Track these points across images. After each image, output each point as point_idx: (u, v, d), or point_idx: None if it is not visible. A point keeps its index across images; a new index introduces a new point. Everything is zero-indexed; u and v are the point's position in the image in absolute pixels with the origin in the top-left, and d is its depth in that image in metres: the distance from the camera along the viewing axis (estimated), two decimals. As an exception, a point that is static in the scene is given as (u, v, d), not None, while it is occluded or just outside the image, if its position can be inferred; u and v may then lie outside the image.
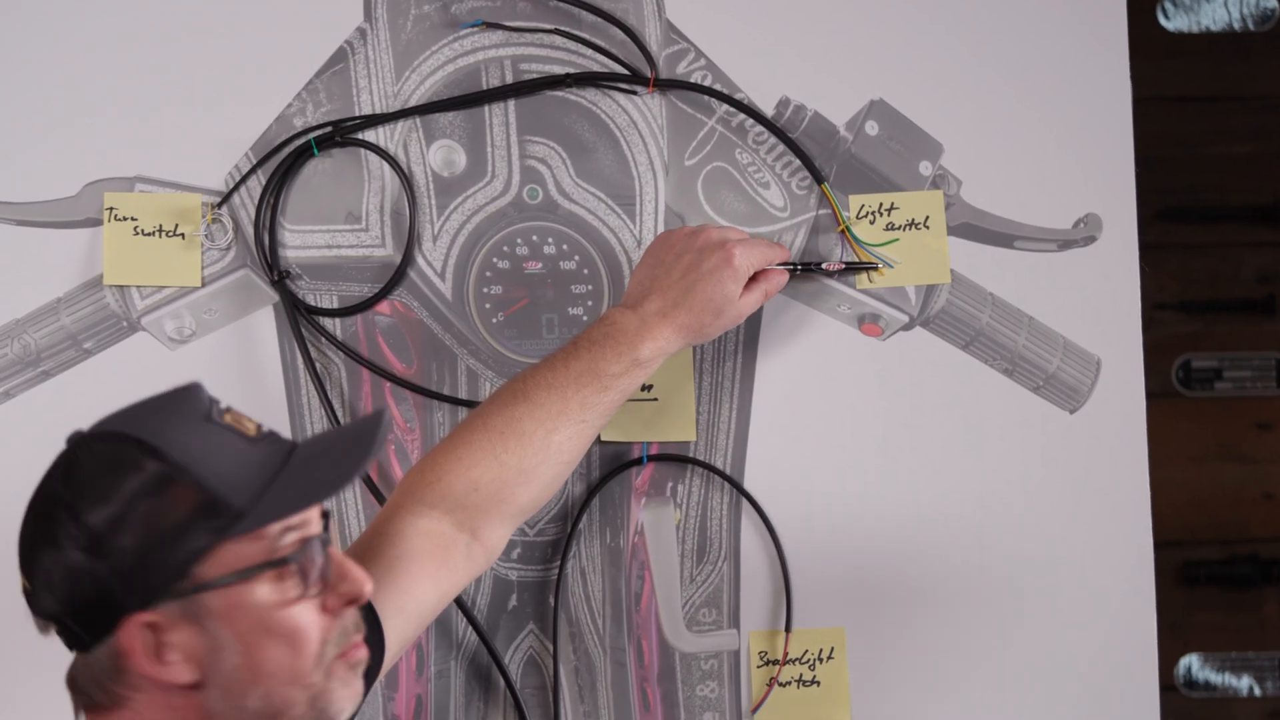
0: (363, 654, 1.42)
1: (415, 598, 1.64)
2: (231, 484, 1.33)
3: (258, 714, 1.36)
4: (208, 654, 1.34)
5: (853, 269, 1.89)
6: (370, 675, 1.58)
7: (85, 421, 1.40)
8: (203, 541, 1.32)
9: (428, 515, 1.68)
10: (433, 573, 1.66)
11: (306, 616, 1.36)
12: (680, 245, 1.78)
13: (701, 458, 1.90)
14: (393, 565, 1.64)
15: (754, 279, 1.80)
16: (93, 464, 1.34)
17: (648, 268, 1.79)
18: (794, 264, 1.86)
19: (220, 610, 1.33)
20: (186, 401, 1.38)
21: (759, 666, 1.89)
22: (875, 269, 1.88)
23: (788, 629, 1.88)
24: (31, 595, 1.36)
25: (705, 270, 1.75)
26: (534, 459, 1.70)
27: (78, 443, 1.37)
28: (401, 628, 1.63)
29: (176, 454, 1.33)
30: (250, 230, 1.88)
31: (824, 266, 1.87)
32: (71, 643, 1.37)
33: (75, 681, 1.39)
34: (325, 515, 1.42)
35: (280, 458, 1.37)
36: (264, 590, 1.34)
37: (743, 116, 1.90)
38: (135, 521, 1.32)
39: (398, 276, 1.89)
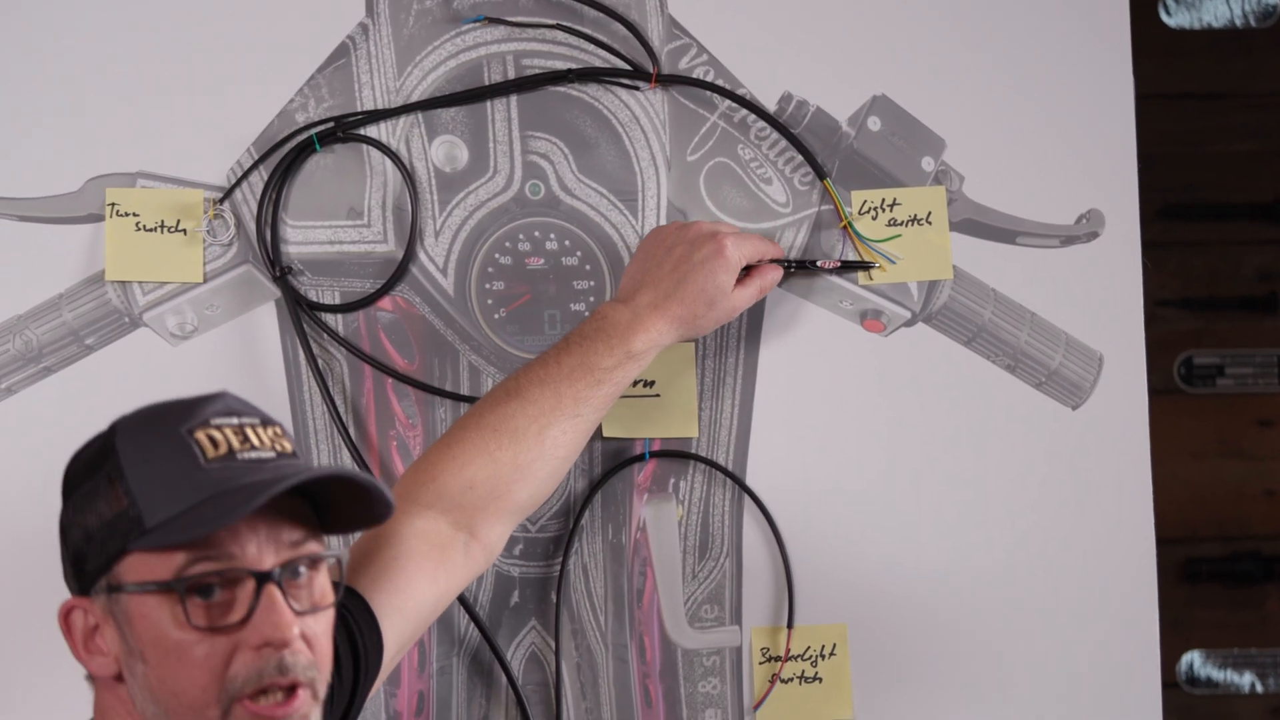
0: (284, 712, 1.35)
1: (413, 597, 1.64)
2: (154, 500, 1.33)
3: None
4: (125, 655, 1.36)
5: (849, 268, 1.88)
6: (368, 681, 1.58)
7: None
8: (115, 546, 1.34)
9: (424, 515, 1.67)
10: (430, 572, 1.65)
11: (205, 647, 1.34)
12: (672, 238, 1.78)
13: (704, 454, 1.89)
14: (389, 566, 1.63)
15: (749, 274, 1.80)
16: (88, 451, 1.39)
17: (639, 262, 1.79)
18: (789, 261, 1.86)
19: (131, 616, 1.35)
20: (188, 408, 1.37)
21: (761, 663, 1.89)
22: (871, 268, 1.88)
23: (790, 625, 1.88)
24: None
25: (697, 261, 1.75)
26: (528, 455, 1.70)
27: (107, 427, 1.40)
28: (400, 627, 1.62)
29: (124, 458, 1.35)
30: (252, 226, 1.88)
31: (819, 265, 1.87)
32: None
33: None
34: (330, 556, 1.40)
35: (220, 487, 1.35)
36: (166, 610, 1.34)
37: (745, 112, 1.90)
38: (84, 511, 1.36)
39: (400, 272, 1.88)
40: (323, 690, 1.38)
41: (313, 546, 1.39)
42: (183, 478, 1.34)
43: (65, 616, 1.38)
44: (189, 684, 1.34)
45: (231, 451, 1.35)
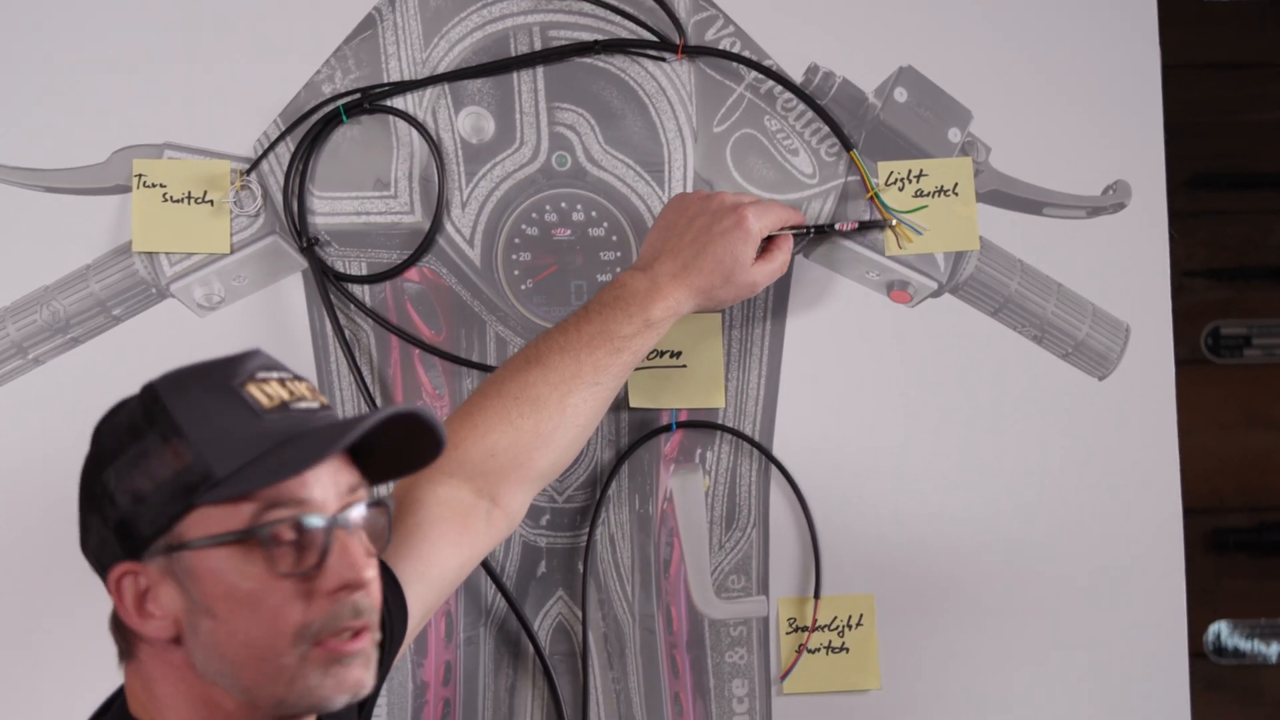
0: (355, 647, 1.37)
1: (437, 564, 1.64)
2: (219, 452, 1.33)
3: (237, 683, 1.36)
4: (186, 614, 1.35)
5: (865, 228, 1.88)
6: (394, 647, 1.59)
7: (113, 389, 1.41)
8: (181, 503, 1.33)
9: (446, 483, 1.68)
10: (454, 539, 1.66)
11: (279, 594, 1.34)
12: (694, 208, 1.78)
13: (730, 424, 1.89)
14: (413, 533, 1.64)
15: (768, 249, 1.80)
16: (122, 414, 1.37)
17: (660, 230, 1.79)
18: (808, 226, 1.86)
19: (197, 572, 1.34)
20: (229, 365, 1.37)
21: (788, 633, 1.89)
22: (888, 226, 1.88)
23: (817, 595, 1.88)
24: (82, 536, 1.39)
25: (717, 233, 1.75)
26: (550, 423, 1.71)
27: (140, 390, 1.38)
28: (424, 595, 1.63)
29: (178, 415, 1.34)
30: (279, 197, 1.88)
31: (837, 227, 1.87)
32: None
33: (111, 627, 1.42)
34: (379, 503, 1.41)
35: (287, 434, 1.36)
36: (237, 560, 1.34)
37: (771, 83, 1.90)
38: (132, 474, 1.34)
39: (426, 243, 1.88)
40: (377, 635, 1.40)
41: (364, 493, 1.40)
42: (244, 429, 1.34)
43: (116, 583, 1.36)
44: (264, 632, 1.34)
45: (284, 403, 1.37)
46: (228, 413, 1.34)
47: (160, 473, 1.33)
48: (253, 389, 1.36)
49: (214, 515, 1.33)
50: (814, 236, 1.87)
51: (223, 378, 1.36)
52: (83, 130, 1.88)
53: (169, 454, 1.33)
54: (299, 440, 1.34)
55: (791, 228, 1.82)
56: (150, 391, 1.37)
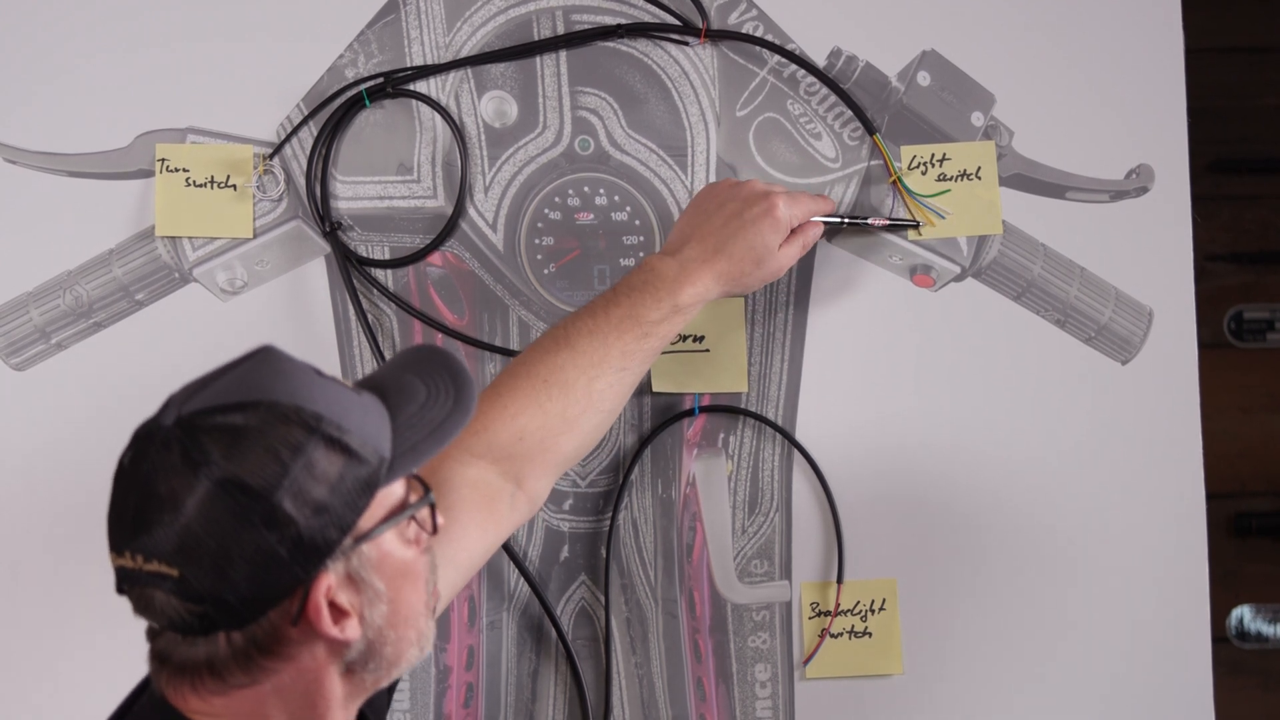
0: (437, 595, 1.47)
1: (465, 548, 1.64)
2: (369, 433, 1.34)
3: (387, 663, 1.39)
4: (364, 608, 1.35)
5: (896, 226, 1.88)
6: None
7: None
8: (367, 494, 1.33)
9: (475, 465, 1.67)
10: (480, 522, 1.66)
11: (422, 562, 1.40)
12: (724, 195, 1.78)
13: (753, 409, 1.89)
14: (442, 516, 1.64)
15: (793, 233, 1.79)
16: (249, 435, 1.30)
17: (689, 216, 1.79)
18: (840, 218, 1.85)
19: (374, 561, 1.35)
20: (284, 361, 1.35)
21: (811, 618, 1.89)
22: (917, 226, 1.87)
23: (839, 580, 1.88)
24: (180, 580, 1.28)
25: (747, 219, 1.75)
26: (576, 407, 1.70)
27: (193, 420, 1.30)
28: (451, 578, 1.63)
29: (332, 413, 1.32)
30: (302, 181, 1.88)
31: (869, 222, 1.87)
32: (210, 625, 1.31)
33: (195, 665, 1.34)
34: None
35: (375, 402, 1.37)
36: (396, 537, 1.37)
37: (794, 67, 1.90)
38: (308, 486, 1.30)
39: (449, 228, 1.88)
40: None
41: None
42: (363, 406, 1.35)
43: (316, 598, 1.31)
44: (419, 601, 1.40)
45: (354, 384, 1.41)
46: (345, 397, 1.34)
47: (332, 473, 1.31)
48: (326, 377, 1.36)
49: (380, 499, 1.35)
50: (847, 227, 1.87)
51: (306, 370, 1.35)
52: (105, 115, 1.88)
53: (336, 453, 1.31)
54: (427, 406, 1.39)
55: (823, 217, 1.82)
56: (260, 404, 1.31)
